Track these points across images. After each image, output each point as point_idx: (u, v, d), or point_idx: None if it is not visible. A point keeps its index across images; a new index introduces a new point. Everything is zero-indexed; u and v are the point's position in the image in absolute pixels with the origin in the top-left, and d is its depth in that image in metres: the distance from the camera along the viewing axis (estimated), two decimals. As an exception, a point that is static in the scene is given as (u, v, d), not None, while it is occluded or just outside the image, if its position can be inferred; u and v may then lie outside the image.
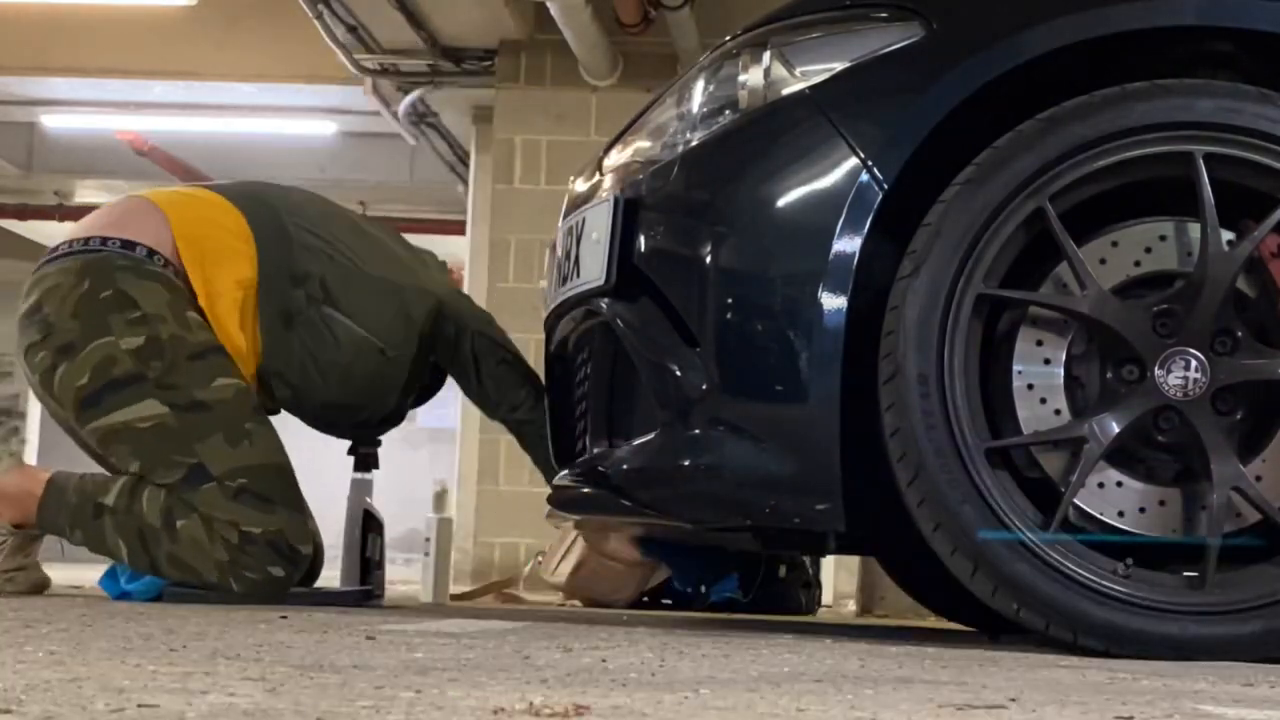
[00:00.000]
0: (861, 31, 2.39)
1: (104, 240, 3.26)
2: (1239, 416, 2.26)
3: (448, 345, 3.54)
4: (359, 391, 3.39)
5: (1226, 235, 2.23)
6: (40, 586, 3.35)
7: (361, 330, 3.33)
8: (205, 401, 3.15)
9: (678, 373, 2.39)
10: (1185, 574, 2.21)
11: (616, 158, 2.72)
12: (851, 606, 5.99)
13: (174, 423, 3.13)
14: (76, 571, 4.40)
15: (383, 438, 3.72)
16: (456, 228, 9.56)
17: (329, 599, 3.41)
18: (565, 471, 2.89)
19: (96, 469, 3.31)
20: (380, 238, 3.55)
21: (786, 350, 2.30)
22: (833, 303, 2.28)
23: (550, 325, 2.89)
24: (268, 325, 3.26)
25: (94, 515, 3.17)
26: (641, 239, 2.48)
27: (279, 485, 3.20)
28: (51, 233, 12.62)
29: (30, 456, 15.99)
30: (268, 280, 3.27)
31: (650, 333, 2.45)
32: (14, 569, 3.29)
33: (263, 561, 3.13)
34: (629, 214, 2.50)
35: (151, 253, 3.23)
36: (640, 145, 2.65)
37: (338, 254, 3.35)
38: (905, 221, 2.29)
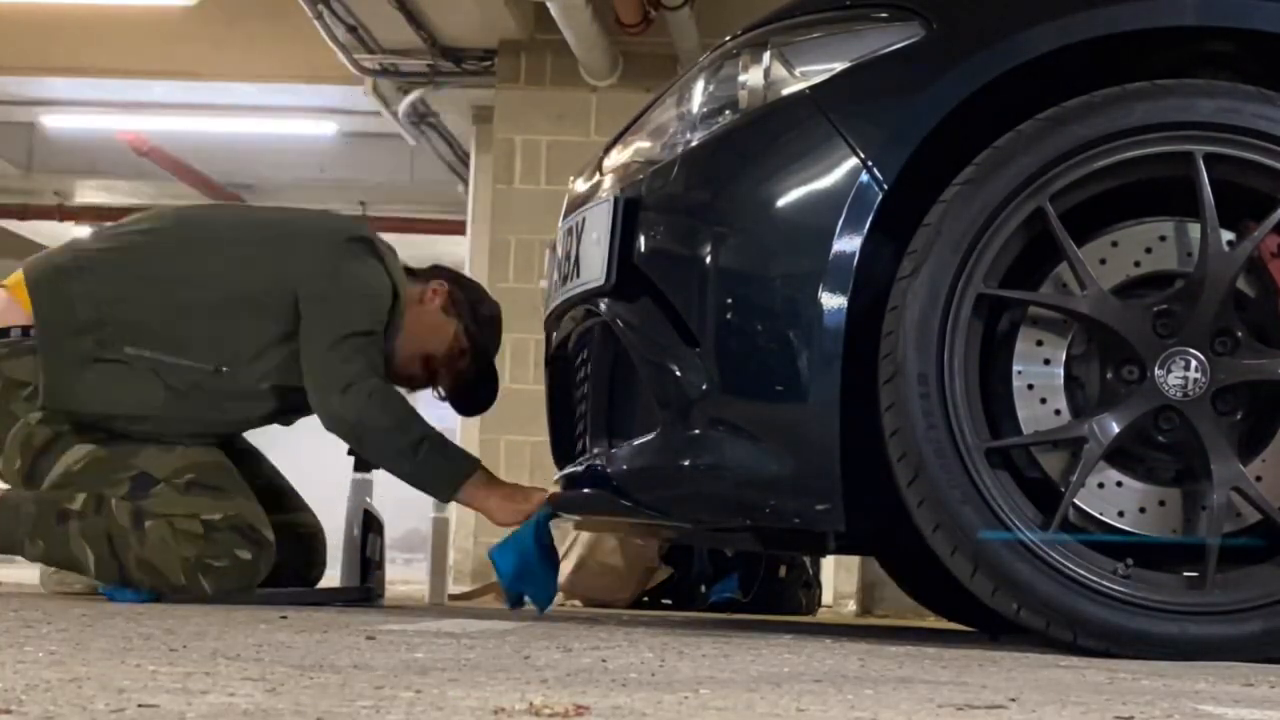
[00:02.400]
0: (861, 31, 2.39)
1: None
2: (1239, 416, 2.26)
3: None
4: (209, 407, 3.31)
5: (1226, 235, 2.23)
6: None
7: (176, 359, 3.26)
8: (127, 430, 3.24)
9: (678, 373, 2.39)
10: (1185, 574, 2.21)
11: (616, 158, 2.72)
12: (851, 606, 5.99)
13: (104, 453, 3.22)
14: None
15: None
16: (456, 228, 9.55)
17: (329, 598, 3.41)
18: (565, 471, 2.89)
19: None
20: (233, 248, 3.40)
21: (786, 350, 2.30)
22: (833, 303, 2.28)
23: (550, 325, 2.89)
24: (52, 373, 3.23)
25: (58, 521, 3.19)
26: (641, 239, 2.48)
27: (225, 477, 3.26)
28: (52, 233, 12.64)
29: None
30: (43, 334, 3.26)
31: (650, 333, 2.45)
32: None
33: (229, 546, 3.17)
34: (629, 214, 2.50)
35: (10, 329, 3.28)
36: (640, 145, 2.65)
37: (144, 293, 3.29)
38: (905, 221, 2.29)
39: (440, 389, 3.65)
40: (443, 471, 3.29)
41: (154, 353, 3.25)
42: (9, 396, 3.25)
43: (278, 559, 3.27)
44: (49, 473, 3.24)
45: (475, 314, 3.59)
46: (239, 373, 3.29)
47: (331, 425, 3.30)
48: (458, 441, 7.86)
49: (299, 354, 3.29)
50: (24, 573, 4.19)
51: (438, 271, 3.65)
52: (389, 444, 3.26)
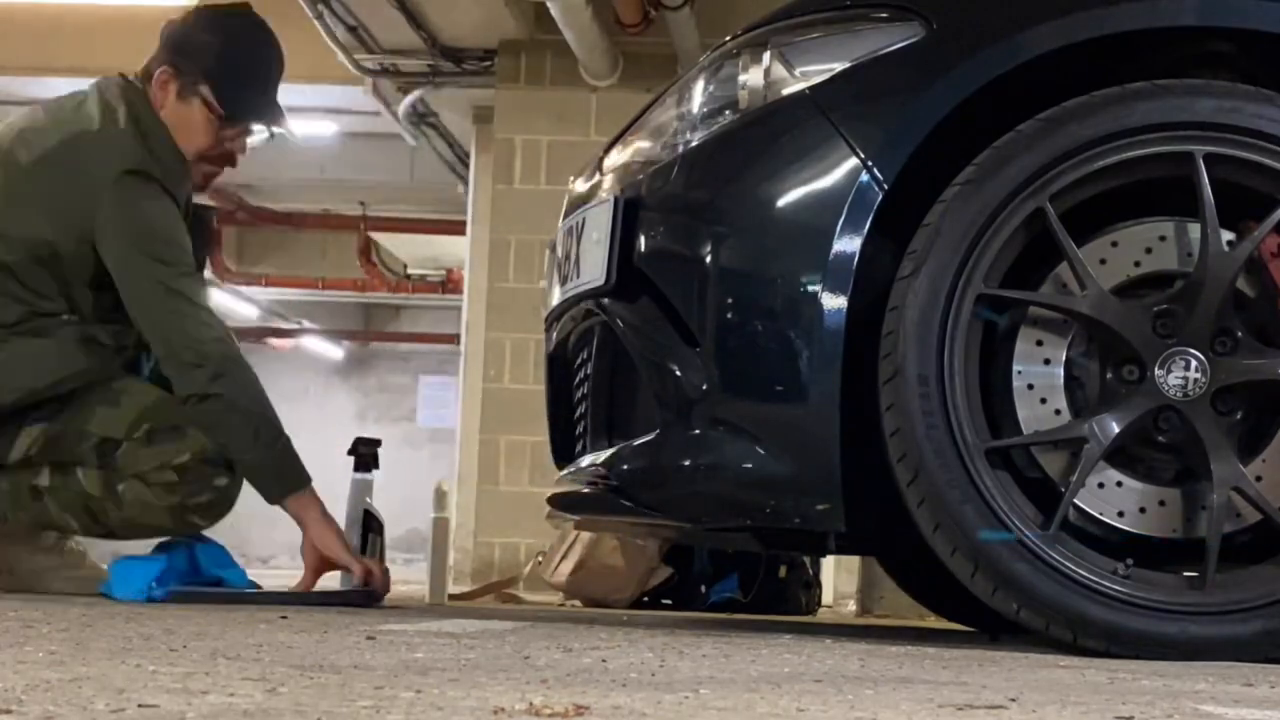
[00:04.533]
0: (861, 31, 2.39)
1: None
2: (1239, 416, 2.26)
3: None
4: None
5: (1226, 235, 2.23)
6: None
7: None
8: (61, 394, 3.20)
9: (678, 373, 2.39)
10: (1185, 574, 2.21)
11: (616, 158, 2.72)
12: (851, 606, 5.99)
13: (56, 429, 3.21)
14: None
15: (383, 438, 3.72)
16: (456, 228, 9.55)
17: (332, 599, 3.40)
18: (565, 471, 2.89)
19: None
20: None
21: (786, 350, 2.30)
22: (833, 303, 2.28)
23: (550, 325, 2.89)
24: None
25: (33, 497, 3.22)
26: (641, 239, 2.48)
27: (176, 411, 3.22)
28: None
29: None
30: None
31: (650, 333, 2.45)
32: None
33: (207, 479, 3.20)
34: (629, 214, 2.50)
35: None
36: (640, 145, 2.65)
37: None
38: (905, 221, 2.29)
39: (237, 153, 3.48)
40: (287, 472, 3.21)
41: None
42: None
43: None
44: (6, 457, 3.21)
45: (217, 71, 3.36)
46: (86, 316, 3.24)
47: (185, 392, 3.18)
48: (457, 441, 7.90)
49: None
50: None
51: (158, 59, 3.35)
52: (249, 428, 3.17)
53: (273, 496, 3.24)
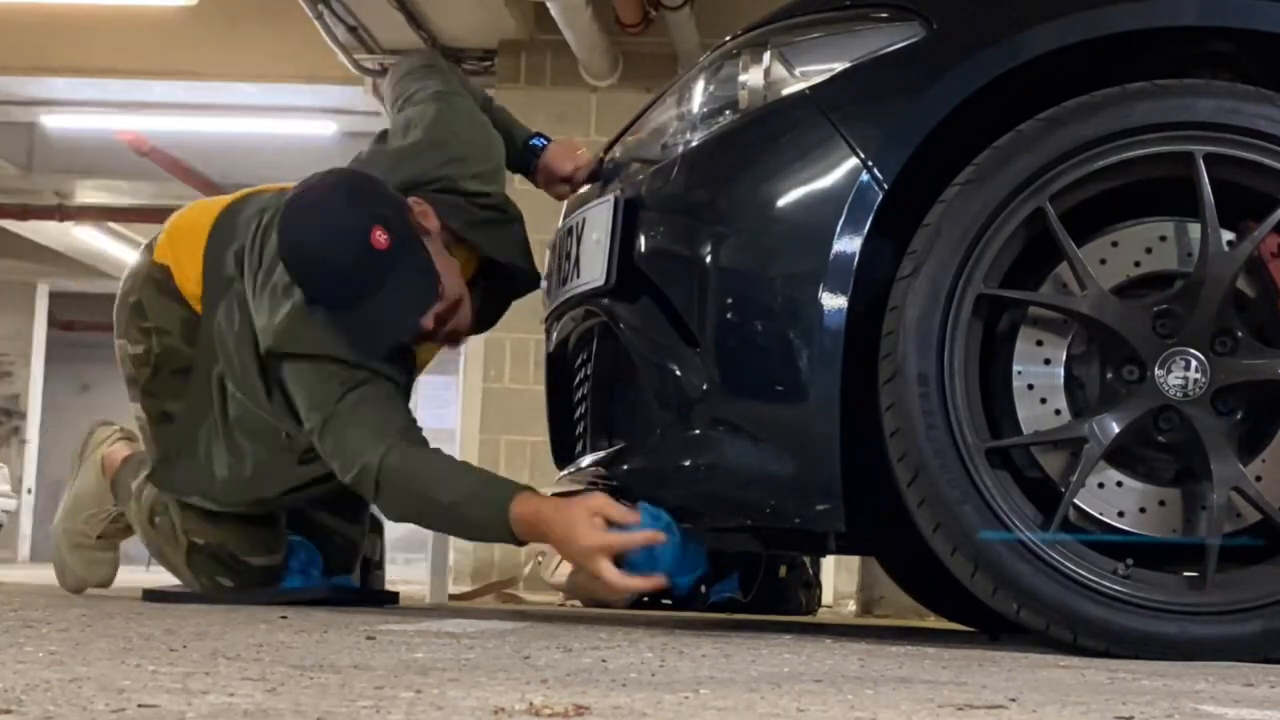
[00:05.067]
0: (861, 31, 2.39)
1: None
2: (1239, 416, 2.26)
3: None
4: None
5: (1226, 235, 2.23)
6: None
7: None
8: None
9: (678, 373, 2.39)
10: (1185, 574, 2.21)
11: (616, 158, 2.72)
12: (851, 606, 5.99)
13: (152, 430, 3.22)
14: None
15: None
16: (456, 228, 9.53)
17: (349, 599, 3.39)
18: (565, 471, 2.89)
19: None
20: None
21: (786, 350, 2.30)
22: (833, 303, 2.28)
23: (550, 325, 2.89)
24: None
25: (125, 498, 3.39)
26: (641, 239, 2.48)
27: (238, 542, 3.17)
28: (51, 233, 12.65)
29: (30, 456, 16.01)
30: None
31: (650, 333, 2.45)
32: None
33: (211, 571, 3.18)
34: (629, 214, 2.50)
35: None
36: (640, 145, 2.65)
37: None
38: (905, 221, 2.29)
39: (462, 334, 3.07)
40: (480, 504, 2.69)
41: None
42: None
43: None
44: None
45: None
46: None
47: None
48: (457, 441, 7.89)
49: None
50: (23, 573, 4.18)
51: (406, 190, 2.90)
52: (423, 514, 2.83)
53: (500, 534, 2.69)
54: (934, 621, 4.06)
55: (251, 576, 3.18)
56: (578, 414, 2.85)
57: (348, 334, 2.77)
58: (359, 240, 2.69)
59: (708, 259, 2.38)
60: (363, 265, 2.70)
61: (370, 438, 2.77)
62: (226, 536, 3.15)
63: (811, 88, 2.38)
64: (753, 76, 2.44)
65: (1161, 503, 2.26)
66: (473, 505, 2.68)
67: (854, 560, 5.96)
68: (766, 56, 2.43)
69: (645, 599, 4.96)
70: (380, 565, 3.66)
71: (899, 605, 5.20)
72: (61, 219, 12.01)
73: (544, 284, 3.01)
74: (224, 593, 3.16)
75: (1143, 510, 2.26)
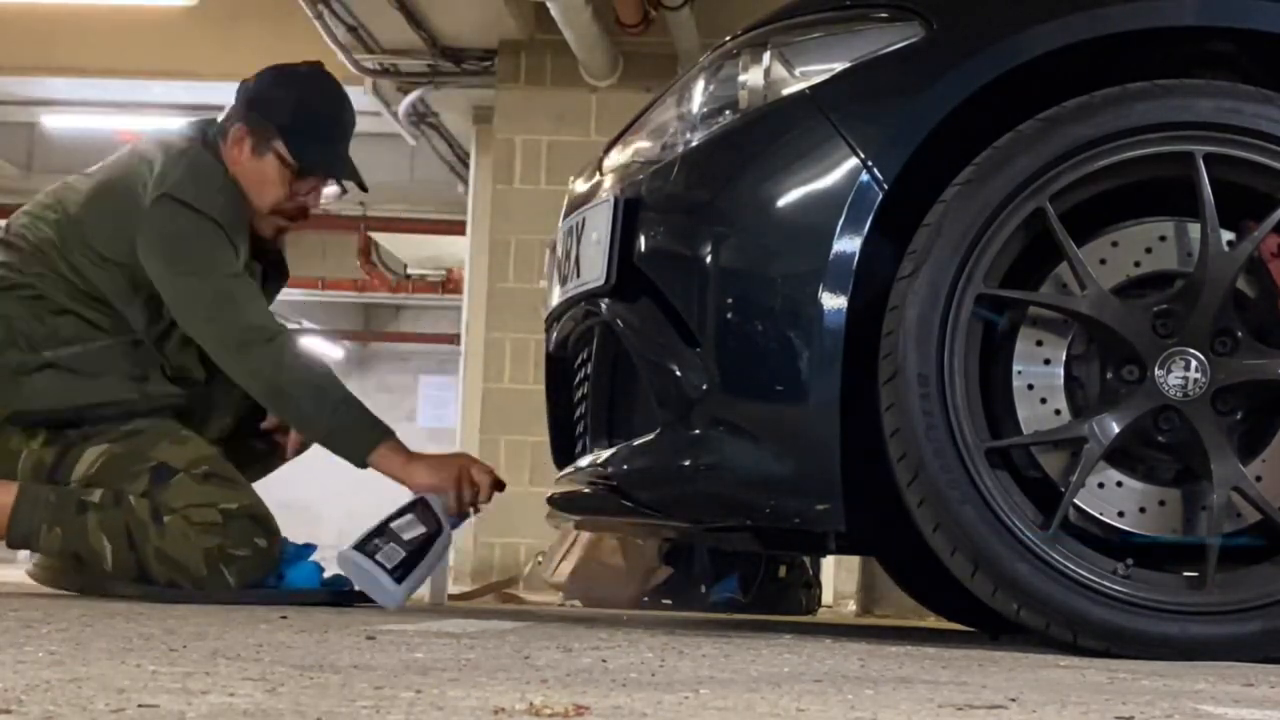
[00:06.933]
0: (861, 31, 2.39)
1: None
2: (1239, 416, 2.26)
3: None
4: (152, 365, 3.37)
5: (1226, 235, 2.23)
6: None
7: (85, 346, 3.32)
8: (138, 429, 3.26)
9: (678, 373, 2.39)
10: (1185, 574, 2.21)
11: (616, 158, 2.72)
12: (851, 606, 5.99)
13: (120, 449, 3.23)
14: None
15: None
16: (457, 228, 9.56)
17: (349, 599, 3.39)
18: (565, 472, 2.89)
19: None
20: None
21: (786, 350, 2.30)
22: (833, 303, 2.28)
23: (550, 325, 2.89)
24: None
25: (77, 511, 3.20)
26: (641, 239, 2.48)
27: (233, 471, 3.29)
28: (51, 233, 12.62)
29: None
30: None
31: (650, 333, 2.45)
32: None
33: (248, 534, 3.20)
34: (629, 214, 2.50)
35: None
36: (640, 145, 2.65)
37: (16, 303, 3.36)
38: (905, 221, 2.29)
39: (310, 206, 3.56)
40: (364, 429, 3.22)
41: (63, 349, 3.27)
42: (3, 437, 3.27)
43: None
44: (69, 480, 3.25)
45: (290, 126, 3.50)
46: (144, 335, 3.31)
47: (246, 384, 3.26)
48: (457, 441, 7.89)
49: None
50: (23, 573, 4.19)
51: (232, 115, 3.52)
52: (309, 401, 3.22)
53: (359, 458, 3.22)
54: (934, 621, 4.05)
55: (276, 541, 3.25)
56: (578, 414, 2.85)
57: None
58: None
59: (708, 259, 2.38)
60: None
61: (271, 318, 3.27)
62: (252, 497, 3.23)
63: (811, 88, 2.38)
64: (753, 76, 2.44)
65: (1161, 503, 2.26)
66: (353, 411, 3.22)
67: (854, 560, 5.96)
68: (766, 56, 2.43)
69: (645, 599, 4.96)
70: (380, 565, 3.66)
71: (899, 605, 5.20)
72: (61, 219, 11.99)
73: (544, 284, 3.01)
74: (261, 563, 3.20)
75: (1143, 510, 2.26)
